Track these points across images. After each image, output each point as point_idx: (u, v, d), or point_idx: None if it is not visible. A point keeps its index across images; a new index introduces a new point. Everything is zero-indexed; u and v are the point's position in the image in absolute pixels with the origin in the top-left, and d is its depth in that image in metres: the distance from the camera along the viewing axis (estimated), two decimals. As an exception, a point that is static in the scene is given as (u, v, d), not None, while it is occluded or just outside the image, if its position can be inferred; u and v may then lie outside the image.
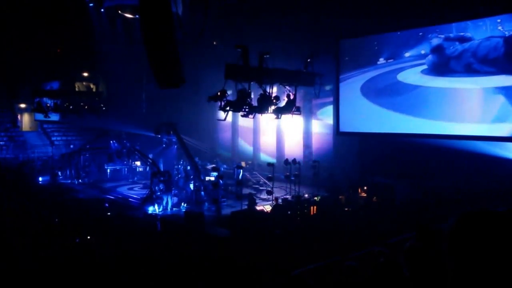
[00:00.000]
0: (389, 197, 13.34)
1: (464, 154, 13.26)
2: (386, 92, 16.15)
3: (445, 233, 1.09)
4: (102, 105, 22.89)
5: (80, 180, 19.58)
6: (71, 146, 23.81)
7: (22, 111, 27.14)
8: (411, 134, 14.69)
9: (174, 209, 14.36)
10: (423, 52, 15.14)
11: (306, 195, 14.43)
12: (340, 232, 10.36)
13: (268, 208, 13.49)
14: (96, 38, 22.79)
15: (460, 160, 13.27)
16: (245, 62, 11.79)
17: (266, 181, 16.81)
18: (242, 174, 16.69)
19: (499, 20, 13.20)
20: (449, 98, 14.46)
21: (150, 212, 13.95)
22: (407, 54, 15.56)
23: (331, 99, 18.50)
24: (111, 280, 7.46)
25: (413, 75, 15.35)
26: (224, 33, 19.18)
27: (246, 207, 13.02)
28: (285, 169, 15.68)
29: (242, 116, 13.10)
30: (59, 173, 19.81)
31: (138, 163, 20.79)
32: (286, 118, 14.72)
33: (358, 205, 13.32)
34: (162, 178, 14.66)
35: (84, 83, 26.80)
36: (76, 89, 25.46)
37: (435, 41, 14.66)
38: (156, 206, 14.14)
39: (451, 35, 14.36)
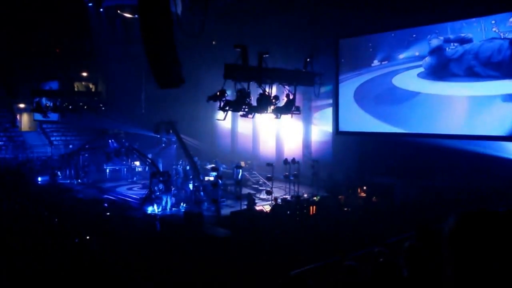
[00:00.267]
0: (388, 197, 13.34)
1: (464, 153, 13.22)
2: (382, 100, 15.53)
3: (444, 233, 1.08)
4: (101, 105, 22.88)
5: (79, 180, 19.57)
6: (70, 146, 23.78)
7: (21, 111, 27.12)
8: (411, 134, 14.64)
9: (173, 209, 14.35)
10: (417, 54, 14.54)
11: (306, 195, 14.43)
12: (340, 232, 10.36)
13: (267, 208, 13.48)
14: (95, 38, 22.78)
15: (460, 160, 13.24)
16: (244, 61, 11.78)
17: (266, 181, 16.80)
18: (241, 174, 16.68)
19: (493, 21, 12.71)
20: (451, 108, 13.51)
21: (149, 212, 13.95)
22: (401, 56, 14.98)
23: (329, 101, 18.52)
24: (110, 280, 7.45)
25: (409, 79, 14.67)
26: (223, 33, 19.18)
27: (245, 207, 13.02)
28: (284, 169, 15.68)
29: (242, 116, 13.10)
30: (58, 173, 19.80)
31: (137, 163, 20.78)
32: (286, 118, 14.73)
33: (358, 205, 13.32)
34: (161, 178, 14.66)
35: (83, 83, 26.80)
36: (75, 89, 25.46)
37: (435, 42, 14.08)
38: (155, 206, 14.13)
39: (451, 36, 13.73)
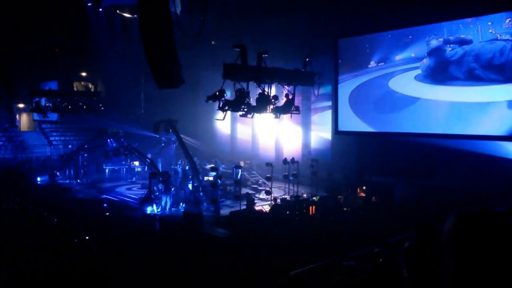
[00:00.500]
0: (388, 197, 13.33)
1: (464, 153, 13.18)
2: (378, 107, 15.11)
3: (444, 233, 1.08)
4: (100, 105, 22.84)
5: (78, 180, 19.55)
6: (70, 146, 23.75)
7: (20, 111, 27.08)
8: (410, 134, 14.57)
9: (172, 209, 14.34)
10: (413, 55, 14.06)
11: (305, 195, 14.42)
12: (339, 232, 10.36)
13: (266, 208, 13.47)
14: (95, 38, 22.76)
15: (460, 160, 13.21)
16: (243, 61, 11.77)
17: (265, 181, 16.79)
18: (241, 174, 16.67)
19: (489, 23, 12.28)
20: (451, 115, 12.91)
21: (148, 212, 13.93)
22: (398, 57, 14.46)
23: (328, 103, 18.53)
24: (109, 280, 7.44)
25: (407, 83, 14.14)
26: (223, 32, 19.19)
27: (245, 207, 13.01)
28: (283, 169, 15.67)
29: (241, 115, 13.09)
30: (57, 173, 19.78)
31: (136, 163, 20.76)
32: (285, 117, 14.73)
33: (357, 205, 13.31)
34: (161, 179, 14.65)
35: (82, 83, 26.77)
36: (75, 89, 25.43)
37: (434, 43, 13.62)
38: (154, 206, 14.12)
39: (451, 37, 13.22)
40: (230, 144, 24.20)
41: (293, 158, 15.58)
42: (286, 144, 20.90)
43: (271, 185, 14.82)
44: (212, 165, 16.94)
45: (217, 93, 11.97)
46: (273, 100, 12.98)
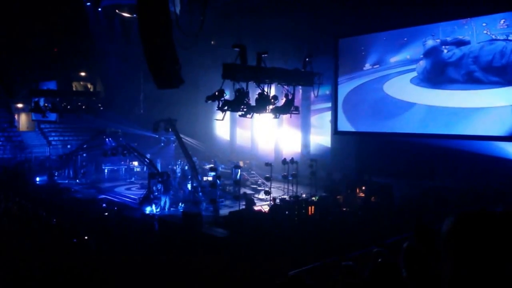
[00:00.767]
0: (387, 197, 13.33)
1: (464, 154, 13.16)
2: (373, 113, 14.84)
3: (443, 233, 1.08)
4: (99, 105, 22.83)
5: (77, 180, 19.53)
6: (68, 146, 23.73)
7: (19, 111, 27.04)
8: (409, 134, 14.55)
9: (171, 209, 14.33)
10: (408, 57, 13.67)
11: (304, 195, 14.42)
12: (338, 232, 10.36)
13: (266, 208, 13.47)
14: (94, 37, 22.74)
15: (459, 160, 13.20)
16: (243, 61, 11.76)
17: (264, 181, 16.79)
18: (240, 174, 16.67)
19: (484, 24, 11.90)
20: (450, 120, 12.31)
21: (147, 212, 13.93)
22: (393, 59, 14.01)
23: (328, 104, 18.54)
24: (108, 280, 7.43)
25: (402, 86, 13.67)
26: (222, 32, 19.17)
27: (244, 207, 13.00)
28: (283, 169, 15.67)
29: (240, 116, 13.08)
30: (56, 173, 19.76)
31: (135, 163, 20.74)
32: (285, 117, 14.70)
33: (356, 205, 13.31)
34: (160, 179, 14.64)
35: (81, 83, 26.73)
36: (74, 89, 25.39)
37: (430, 43, 13.22)
38: (153, 207, 14.11)
39: (448, 38, 12.77)
40: (230, 144, 24.21)
41: (292, 158, 15.58)
42: (285, 144, 20.90)
43: (270, 185, 14.82)
44: (211, 165, 16.94)
45: (217, 93, 11.95)
46: (272, 100, 12.97)
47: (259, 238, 10.35)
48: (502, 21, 11.77)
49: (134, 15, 19.33)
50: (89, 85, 26.06)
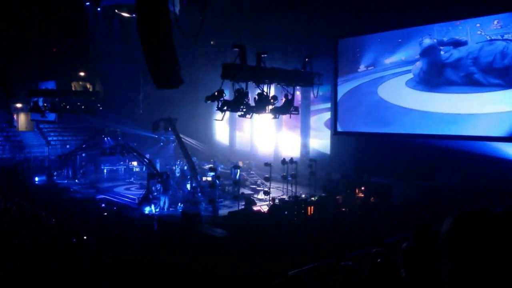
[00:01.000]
0: (387, 197, 13.34)
1: (463, 154, 13.15)
2: (368, 121, 14.60)
3: (442, 233, 1.08)
4: (98, 105, 22.81)
5: (76, 180, 19.51)
6: (67, 146, 23.71)
7: (18, 111, 27.01)
8: (409, 134, 14.53)
9: (170, 209, 14.32)
10: (403, 58, 13.31)
11: (303, 195, 14.42)
12: (337, 233, 10.37)
13: (265, 208, 13.47)
14: (93, 37, 22.71)
15: (459, 160, 13.19)
16: (242, 61, 11.75)
17: (263, 181, 16.79)
18: (239, 174, 16.67)
19: (478, 25, 11.53)
20: (449, 125, 11.79)
21: (146, 212, 13.92)
22: (387, 61, 13.64)
23: (327, 105, 18.53)
24: (108, 280, 7.42)
25: (397, 90, 13.23)
26: (222, 32, 19.17)
27: (243, 207, 13.00)
28: (282, 169, 15.67)
29: (240, 116, 13.07)
30: (55, 173, 19.74)
31: (135, 163, 20.72)
32: (284, 117, 14.68)
33: (356, 205, 13.32)
34: (159, 179, 14.63)
35: (80, 83, 26.69)
36: (73, 89, 25.36)
37: (427, 42, 12.74)
38: (152, 207, 14.10)
39: (444, 38, 12.29)
40: (229, 144, 24.21)
41: (291, 158, 15.57)
42: (285, 145, 20.91)
43: (270, 185, 14.81)
44: (211, 165, 16.92)
45: (216, 93, 11.95)
46: (272, 101, 12.96)
47: (258, 238, 10.35)
48: (495, 22, 11.48)
49: (134, 15, 19.33)
50: (88, 85, 26.03)
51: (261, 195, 15.68)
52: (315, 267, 6.32)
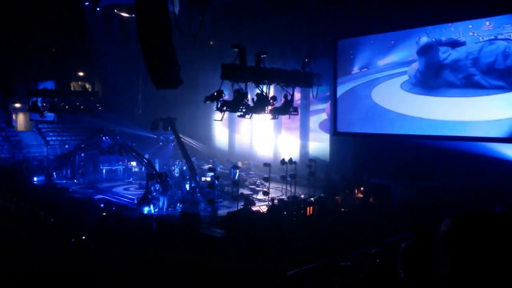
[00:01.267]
0: (386, 197, 13.35)
1: (462, 154, 13.15)
2: (366, 121, 14.32)
3: (441, 234, 1.08)
4: (98, 105, 22.79)
5: (75, 180, 19.49)
6: (66, 146, 23.68)
7: (17, 110, 26.97)
8: (408, 135, 14.51)
9: (169, 209, 14.32)
10: (397, 59, 12.98)
11: (302, 196, 14.43)
12: (337, 233, 10.37)
13: (264, 208, 13.47)
14: (92, 37, 22.69)
15: (458, 161, 13.19)
16: (242, 62, 11.75)
17: (263, 182, 16.80)
18: (239, 175, 16.67)
19: (470, 26, 11.17)
20: (448, 131, 11.16)
21: (145, 212, 13.91)
22: (382, 62, 13.30)
23: (324, 106, 18.56)
24: (106, 280, 7.41)
25: (393, 93, 12.74)
26: (221, 33, 19.18)
27: (242, 207, 13.00)
28: (281, 169, 15.67)
29: (239, 116, 13.07)
30: (54, 173, 19.70)
31: (133, 163, 20.69)
32: (284, 118, 14.67)
33: (355, 205, 13.33)
34: (158, 179, 14.63)
35: (79, 82, 26.67)
36: (72, 89, 25.33)
37: (424, 40, 12.33)
38: (151, 207, 14.09)
39: (442, 38, 11.85)
40: (228, 144, 24.21)
41: (290, 159, 15.58)
42: (284, 145, 20.92)
43: (269, 185, 14.82)
44: (210, 166, 16.92)
45: (215, 93, 11.95)
46: (271, 101, 12.97)
47: (257, 238, 10.35)
48: (487, 23, 11.17)
49: (133, 15, 19.33)
50: (87, 85, 26.00)
51: (260, 196, 15.67)
52: (314, 267, 6.33)
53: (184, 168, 17.99)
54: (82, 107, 21.96)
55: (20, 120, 27.27)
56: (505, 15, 11.01)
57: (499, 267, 0.98)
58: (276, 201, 13.46)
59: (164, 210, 14.20)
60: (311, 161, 15.95)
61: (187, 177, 16.82)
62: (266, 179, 14.94)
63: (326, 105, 18.63)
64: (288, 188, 15.05)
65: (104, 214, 13.03)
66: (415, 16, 13.09)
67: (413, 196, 12.93)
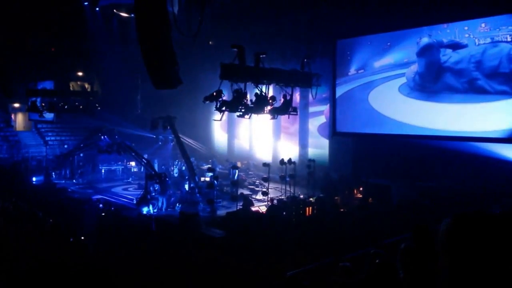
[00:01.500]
0: (385, 198, 13.35)
1: (461, 155, 13.14)
2: (364, 124, 14.23)
3: (440, 234, 1.08)
4: (97, 105, 22.78)
5: (74, 180, 19.47)
6: (65, 146, 23.67)
7: (16, 110, 26.94)
8: (408, 135, 14.48)
9: (168, 209, 14.31)
10: (392, 61, 12.71)
11: (302, 196, 14.43)
12: (336, 233, 10.37)
13: (263, 209, 13.46)
14: (91, 37, 22.67)
15: (457, 161, 13.18)
16: (241, 62, 11.75)
17: (262, 182, 16.80)
18: (238, 175, 16.66)
19: (466, 27, 10.95)
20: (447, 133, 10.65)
21: (144, 212, 13.90)
22: (378, 64, 13.05)
23: (324, 107, 18.56)
24: (105, 280, 7.40)
25: (390, 98, 12.43)
26: (220, 33, 19.17)
27: (241, 207, 12.99)
28: (280, 169, 15.67)
29: (238, 116, 13.07)
30: (53, 173, 19.68)
31: (133, 163, 20.67)
32: (283, 118, 14.67)
33: (354, 206, 13.33)
34: (157, 179, 14.61)
35: (78, 82, 26.64)
36: (71, 89, 25.32)
37: (425, 41, 12.13)
38: (150, 207, 14.08)
39: (444, 39, 11.50)
40: (228, 144, 24.22)
41: (290, 159, 15.58)
42: (283, 145, 20.92)
43: (268, 185, 14.81)
44: (209, 166, 16.91)
45: (214, 93, 11.95)
46: (270, 101, 12.97)
47: (256, 238, 10.35)
48: (483, 24, 10.95)
49: (132, 15, 19.30)
50: (86, 85, 25.97)
51: (259, 196, 15.66)
52: (313, 267, 6.32)
53: (183, 168, 17.98)
54: (81, 107, 21.95)
55: (19, 120, 27.24)
56: (502, 16, 10.88)
57: (497, 267, 0.98)
58: (275, 201, 13.46)
59: (163, 210, 14.19)
60: (310, 161, 15.94)
61: (186, 177, 16.81)
62: (265, 179, 14.93)
63: (326, 108, 18.62)
64: (287, 188, 15.05)
65: (103, 214, 13.02)
66: (414, 16, 13.06)
67: (413, 196, 12.93)
